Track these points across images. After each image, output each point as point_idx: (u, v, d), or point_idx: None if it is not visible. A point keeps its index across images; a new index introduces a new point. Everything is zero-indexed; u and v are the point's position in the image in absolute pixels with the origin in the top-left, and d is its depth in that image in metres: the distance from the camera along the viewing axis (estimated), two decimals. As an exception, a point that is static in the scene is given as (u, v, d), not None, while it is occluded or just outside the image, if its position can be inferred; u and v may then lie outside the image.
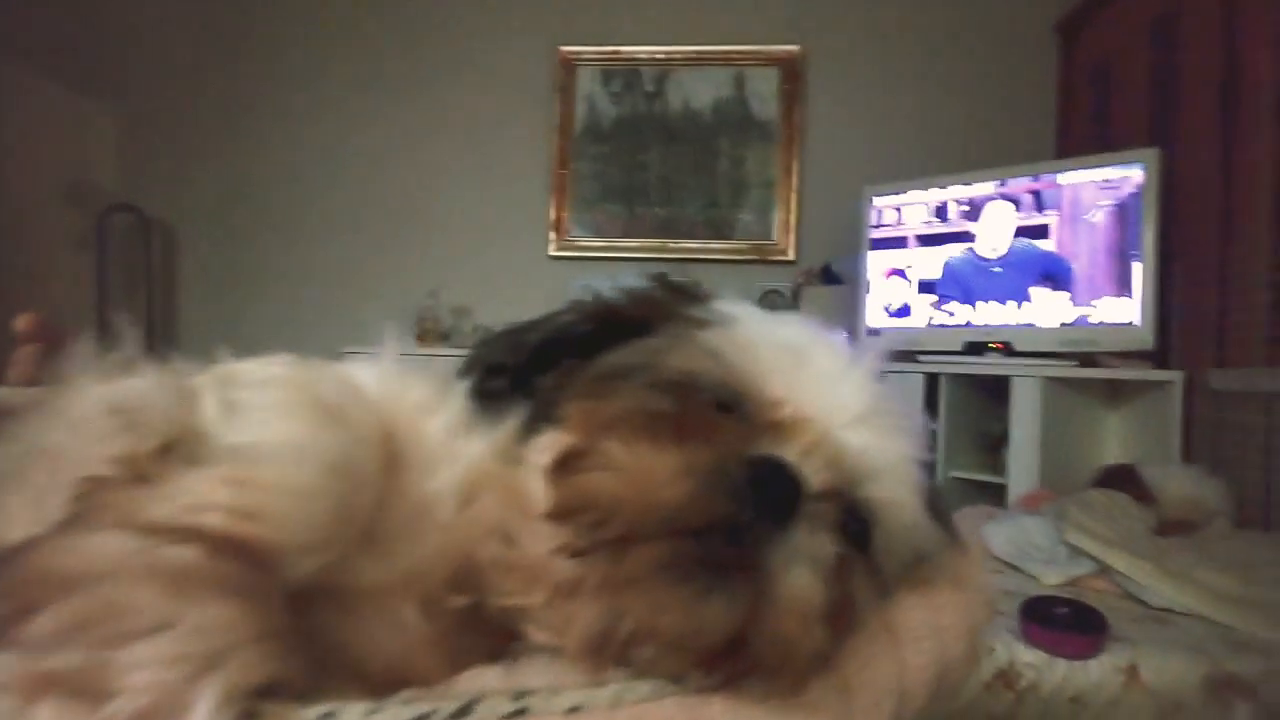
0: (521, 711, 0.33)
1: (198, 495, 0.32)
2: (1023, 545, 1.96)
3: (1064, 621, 1.50)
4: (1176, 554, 1.77)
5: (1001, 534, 1.98)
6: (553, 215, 3.54)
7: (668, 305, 0.46)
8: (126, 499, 0.33)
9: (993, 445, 2.75)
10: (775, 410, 0.39)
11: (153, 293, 3.60)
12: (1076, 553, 1.86)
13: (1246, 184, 2.25)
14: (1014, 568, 1.90)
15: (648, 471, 0.35)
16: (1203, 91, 2.41)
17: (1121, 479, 2.14)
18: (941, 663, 0.41)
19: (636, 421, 0.37)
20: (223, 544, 0.31)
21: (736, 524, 0.34)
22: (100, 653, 0.28)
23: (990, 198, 2.76)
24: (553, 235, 3.54)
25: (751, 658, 0.34)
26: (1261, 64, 2.19)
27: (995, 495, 2.53)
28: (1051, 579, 1.81)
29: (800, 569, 0.35)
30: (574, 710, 0.33)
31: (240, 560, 0.31)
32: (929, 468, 0.42)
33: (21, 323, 0.66)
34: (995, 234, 2.75)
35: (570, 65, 3.52)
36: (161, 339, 3.58)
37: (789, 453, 0.36)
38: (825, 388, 0.40)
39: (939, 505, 0.44)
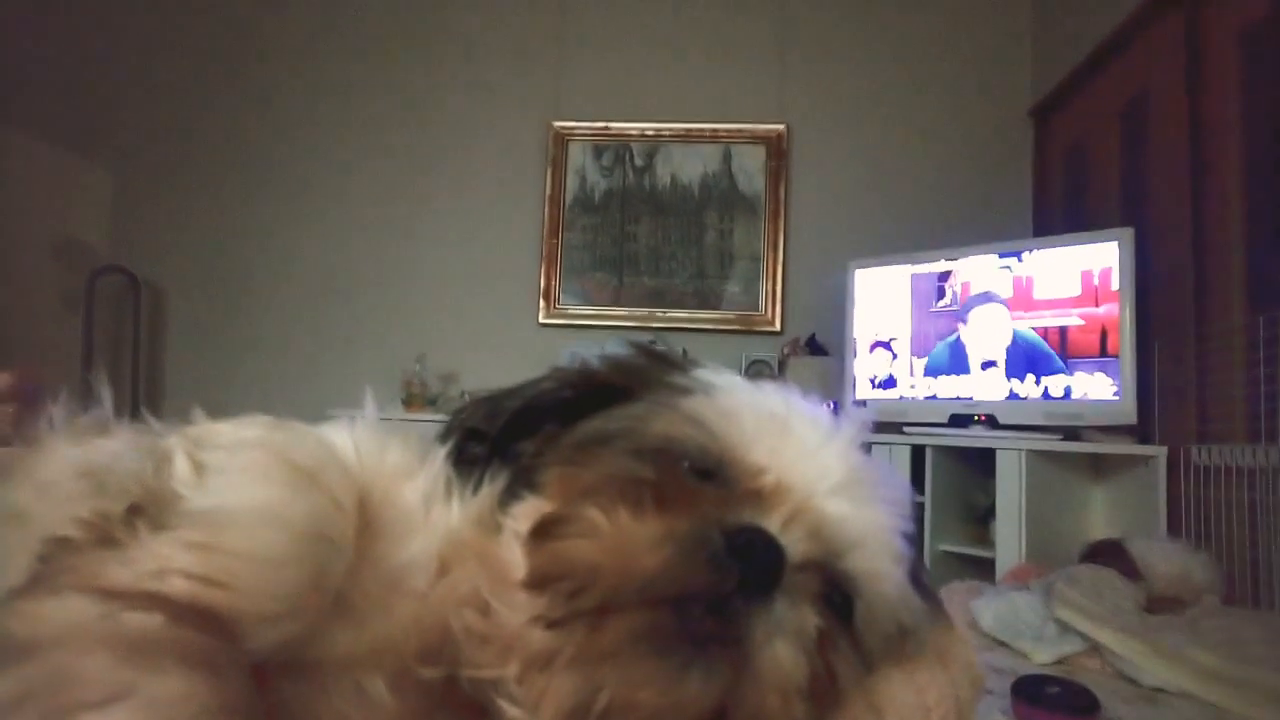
0: (491, 792, 0.31)
1: (162, 560, 0.31)
2: (1012, 622, 1.93)
3: (1055, 701, 1.47)
4: (1167, 632, 1.75)
5: (990, 610, 1.95)
6: (542, 283, 3.57)
7: (650, 372, 0.46)
8: (90, 562, 0.32)
9: (979, 518, 2.74)
10: (757, 478, 0.38)
11: (139, 354, 3.57)
12: (1066, 630, 1.83)
13: (1218, 262, 2.30)
14: (1003, 644, 1.87)
15: (627, 539, 0.34)
16: (1173, 173, 2.49)
17: (1109, 554, 2.13)
18: (927, 743, 0.40)
19: (616, 488, 0.36)
20: (186, 611, 0.30)
21: (717, 594, 0.33)
22: None
23: (979, 298, 2.80)
24: (542, 303, 3.57)
25: None
26: (1228, 145, 2.28)
27: (983, 568, 2.50)
28: (1042, 657, 1.78)
29: (782, 642, 0.34)
30: (546, 791, 0.32)
31: (203, 629, 0.30)
32: (913, 539, 0.42)
33: (2, 381, 0.65)
34: (986, 333, 2.78)
35: (562, 139, 3.61)
36: (147, 400, 3.55)
37: (770, 522, 0.36)
38: (807, 456, 0.39)
39: (922, 578, 0.43)
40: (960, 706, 0.42)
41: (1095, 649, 1.78)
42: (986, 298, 2.78)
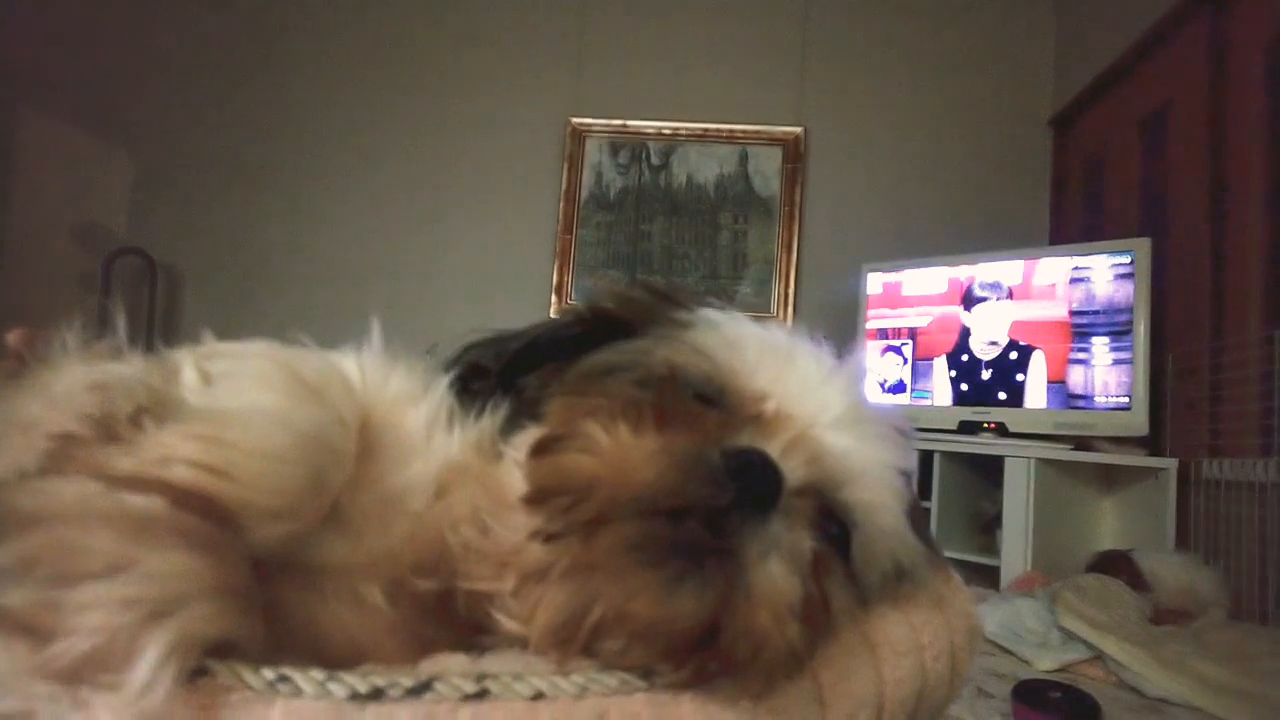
0: (482, 694, 0.32)
1: (167, 448, 0.32)
2: (1015, 628, 1.92)
3: (1056, 706, 1.46)
4: (1172, 643, 1.73)
5: (994, 616, 1.93)
6: (555, 279, 3.59)
7: (655, 308, 0.46)
8: (96, 453, 0.32)
9: (985, 526, 2.72)
10: (757, 405, 0.38)
11: (155, 337, 3.59)
12: (1070, 637, 1.82)
13: (1236, 276, 2.29)
14: (1006, 650, 1.86)
15: (625, 452, 0.34)
16: (1192, 185, 2.48)
17: (1116, 565, 2.11)
18: (921, 681, 0.39)
19: (617, 408, 0.36)
20: (188, 497, 0.30)
21: (713, 509, 0.33)
22: (52, 591, 0.27)
23: (986, 287, 2.80)
24: (554, 299, 3.58)
25: (723, 651, 0.33)
26: (1250, 159, 2.26)
27: (988, 577, 2.49)
28: (1044, 664, 1.77)
29: (776, 561, 0.34)
30: (537, 696, 0.32)
31: (204, 515, 0.31)
32: (910, 478, 0.42)
33: (14, 337, 0.66)
34: (991, 331, 2.78)
35: (580, 136, 3.62)
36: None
37: (770, 447, 0.36)
38: (809, 388, 0.40)
39: (920, 521, 0.43)
40: (955, 651, 0.42)
41: (1099, 658, 1.76)
42: (993, 288, 2.78)
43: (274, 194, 3.73)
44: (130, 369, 0.42)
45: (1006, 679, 1.62)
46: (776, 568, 0.34)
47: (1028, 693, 1.50)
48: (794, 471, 0.35)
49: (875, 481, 0.39)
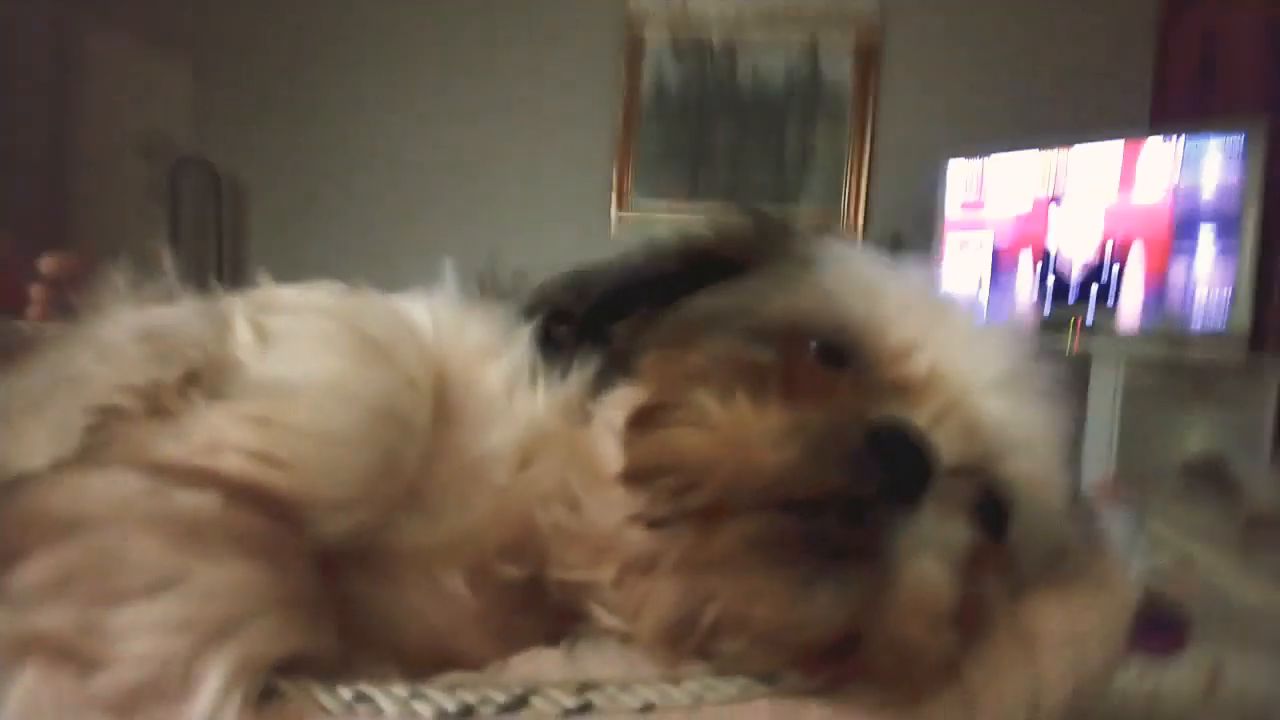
0: (585, 708, 0.28)
1: (217, 434, 0.27)
2: (1099, 536, 1.86)
3: (1142, 616, 1.41)
4: (1265, 553, 1.66)
5: (1075, 524, 1.88)
6: (615, 180, 3.47)
7: (767, 242, 0.39)
8: (140, 433, 0.28)
9: (1067, 430, 2.63)
10: (901, 365, 0.32)
11: (222, 247, 3.64)
12: (1157, 545, 1.76)
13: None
14: (1088, 559, 1.81)
15: (746, 430, 0.28)
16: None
17: (1208, 472, 2.03)
18: (1079, 674, 0.34)
19: (732, 372, 0.31)
20: (243, 492, 0.26)
21: (854, 499, 0.28)
22: (94, 611, 0.23)
23: (1076, 174, 2.59)
24: (615, 198, 3.48)
25: (862, 661, 0.28)
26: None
27: (1068, 483, 2.42)
28: (1130, 570, 1.72)
29: (929, 559, 0.28)
30: (647, 708, 0.28)
31: (262, 512, 0.26)
32: (1072, 444, 0.35)
33: (47, 264, 0.63)
34: (1084, 224, 2.59)
35: (638, 26, 3.42)
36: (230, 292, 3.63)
37: (918, 417, 0.30)
38: (962, 343, 0.33)
39: (1079, 493, 0.37)
40: (1113, 635, 0.37)
41: (1186, 565, 1.70)
42: (1086, 186, 2.57)
43: (333, 100, 3.65)
44: (182, 315, 0.38)
45: (1089, 589, 1.58)
46: (929, 566, 0.28)
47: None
48: (949, 447, 0.29)
49: (1039, 453, 0.33)
